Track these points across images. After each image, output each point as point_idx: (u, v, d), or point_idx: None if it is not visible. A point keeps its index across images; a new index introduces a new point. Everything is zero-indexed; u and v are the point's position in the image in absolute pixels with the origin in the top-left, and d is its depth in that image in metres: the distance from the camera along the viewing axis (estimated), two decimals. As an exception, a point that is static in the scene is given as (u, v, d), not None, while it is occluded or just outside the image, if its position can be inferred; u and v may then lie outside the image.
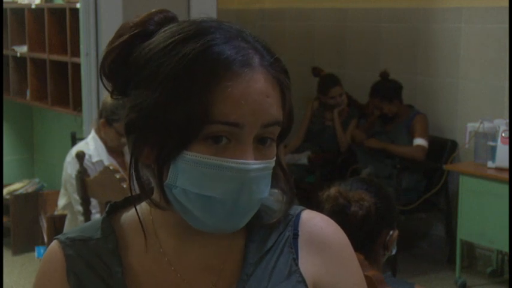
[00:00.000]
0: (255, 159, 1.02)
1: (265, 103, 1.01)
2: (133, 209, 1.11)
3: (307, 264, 1.12)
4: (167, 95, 1.00)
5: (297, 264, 1.11)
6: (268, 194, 1.07)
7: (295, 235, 1.13)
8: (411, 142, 5.15)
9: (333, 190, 2.04)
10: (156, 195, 1.07)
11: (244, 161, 1.00)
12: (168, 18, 1.08)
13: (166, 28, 1.06)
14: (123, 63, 1.06)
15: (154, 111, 1.00)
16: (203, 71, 0.99)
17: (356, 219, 2.00)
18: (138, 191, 1.07)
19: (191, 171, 1.01)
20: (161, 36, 1.04)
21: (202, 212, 1.02)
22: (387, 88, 5.23)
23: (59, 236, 1.14)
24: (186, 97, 0.99)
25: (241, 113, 0.99)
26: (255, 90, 1.00)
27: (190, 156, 1.00)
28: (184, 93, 0.99)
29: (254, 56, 1.02)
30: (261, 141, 1.03)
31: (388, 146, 5.20)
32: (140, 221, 1.09)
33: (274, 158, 1.06)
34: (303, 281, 1.10)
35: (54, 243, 1.14)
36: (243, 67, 1.00)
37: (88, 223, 1.18)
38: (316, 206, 2.05)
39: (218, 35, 1.02)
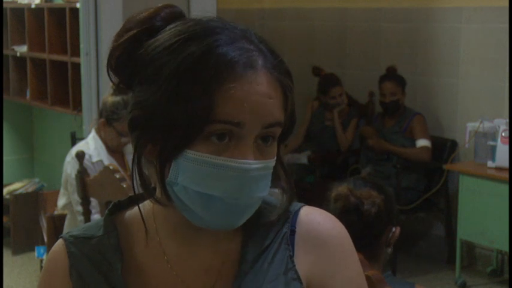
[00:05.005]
0: (255, 158, 1.02)
1: (267, 105, 1.02)
2: (136, 208, 1.13)
3: (302, 261, 1.12)
4: (170, 93, 1.00)
5: (293, 261, 1.11)
6: (268, 193, 1.07)
7: (292, 232, 1.13)
8: (409, 143, 5.14)
9: (342, 189, 2.03)
10: (157, 192, 1.08)
11: (244, 160, 1.01)
12: (175, 14, 1.08)
13: (172, 26, 1.06)
14: (129, 58, 1.06)
15: (157, 110, 1.01)
16: (206, 71, 0.99)
17: (370, 217, 2.00)
18: (139, 189, 1.08)
19: (192, 170, 1.01)
20: (166, 34, 1.05)
21: (202, 210, 1.03)
22: (401, 76, 5.22)
23: (63, 235, 1.15)
24: (188, 97, 0.99)
25: (243, 113, 1.00)
26: (257, 91, 1.01)
27: (191, 155, 1.01)
28: (187, 93, 0.99)
29: (258, 57, 1.03)
30: (262, 139, 1.04)
31: (393, 149, 5.17)
32: (142, 218, 1.10)
33: (275, 158, 1.07)
34: (298, 278, 1.10)
35: (59, 242, 1.15)
36: (246, 69, 1.01)
37: (91, 222, 1.19)
38: (317, 206, 2.05)
39: (223, 36, 1.02)
